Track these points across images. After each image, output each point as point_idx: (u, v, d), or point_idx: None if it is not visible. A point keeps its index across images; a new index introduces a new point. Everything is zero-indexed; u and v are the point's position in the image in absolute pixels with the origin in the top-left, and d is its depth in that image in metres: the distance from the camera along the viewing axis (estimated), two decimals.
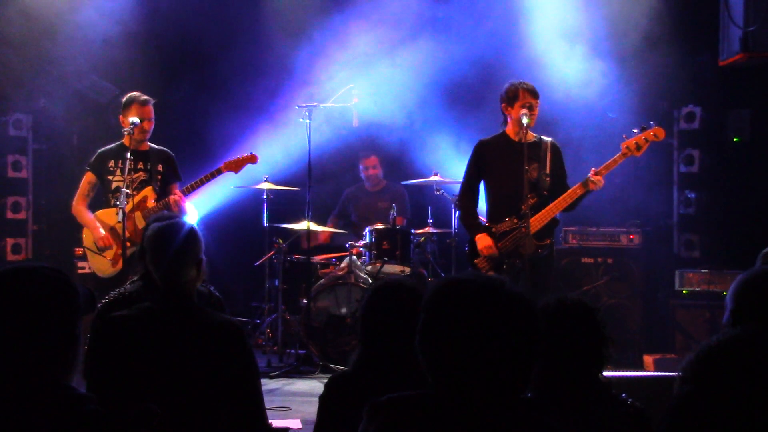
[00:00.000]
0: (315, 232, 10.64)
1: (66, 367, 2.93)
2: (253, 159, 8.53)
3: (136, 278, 4.97)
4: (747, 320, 3.43)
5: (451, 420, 2.56)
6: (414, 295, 3.86)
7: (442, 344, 2.55)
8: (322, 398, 3.89)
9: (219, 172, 8.36)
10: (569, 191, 7.57)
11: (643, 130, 7.55)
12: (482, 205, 8.10)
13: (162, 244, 4.16)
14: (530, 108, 7.66)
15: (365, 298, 3.96)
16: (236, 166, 8.46)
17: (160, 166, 8.30)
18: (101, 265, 8.28)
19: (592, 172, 7.50)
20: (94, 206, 8.41)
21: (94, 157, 8.41)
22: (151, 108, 8.27)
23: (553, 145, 7.87)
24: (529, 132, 7.74)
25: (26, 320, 2.85)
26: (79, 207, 8.41)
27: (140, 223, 7.95)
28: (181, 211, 8.05)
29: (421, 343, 2.61)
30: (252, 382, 4.04)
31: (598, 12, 10.52)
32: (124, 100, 8.35)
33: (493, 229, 7.74)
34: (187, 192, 8.25)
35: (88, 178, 8.41)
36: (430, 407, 2.59)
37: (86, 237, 8.37)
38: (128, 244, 7.75)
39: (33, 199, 11.12)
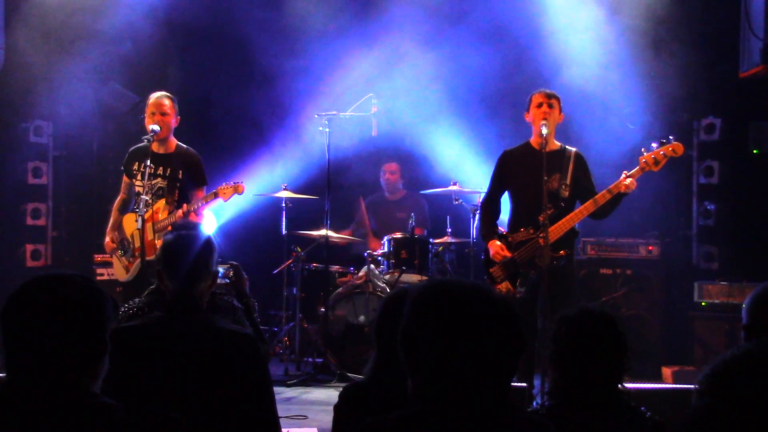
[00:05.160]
0: (333, 240, 10.69)
1: (94, 374, 2.95)
2: (239, 189, 8.34)
3: (149, 290, 5.02)
4: (762, 334, 3.43)
5: None
6: None
7: (425, 344, 2.57)
8: (337, 408, 3.89)
9: (215, 195, 8.24)
10: (592, 199, 7.52)
11: (662, 144, 7.48)
12: (506, 216, 8.09)
13: (177, 255, 4.15)
14: (539, 106, 7.67)
15: (379, 308, 3.96)
16: (225, 194, 8.29)
17: (180, 172, 8.22)
18: (118, 269, 8.37)
19: (624, 175, 7.45)
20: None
21: (126, 156, 8.42)
22: (164, 102, 8.19)
23: (577, 155, 7.84)
24: (554, 141, 7.75)
25: (58, 328, 2.86)
26: (114, 208, 8.49)
27: (150, 235, 7.92)
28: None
29: (404, 342, 2.62)
30: (264, 392, 4.01)
31: (618, 23, 10.50)
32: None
33: (510, 239, 7.73)
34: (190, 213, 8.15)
35: (124, 178, 8.45)
36: (414, 426, 2.59)
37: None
38: (137, 253, 7.84)
39: (53, 205, 11.17)
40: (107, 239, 8.37)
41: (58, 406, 2.81)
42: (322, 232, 9.94)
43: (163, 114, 8.16)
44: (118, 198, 8.50)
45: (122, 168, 8.46)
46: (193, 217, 8.02)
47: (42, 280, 2.97)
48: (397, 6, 11.00)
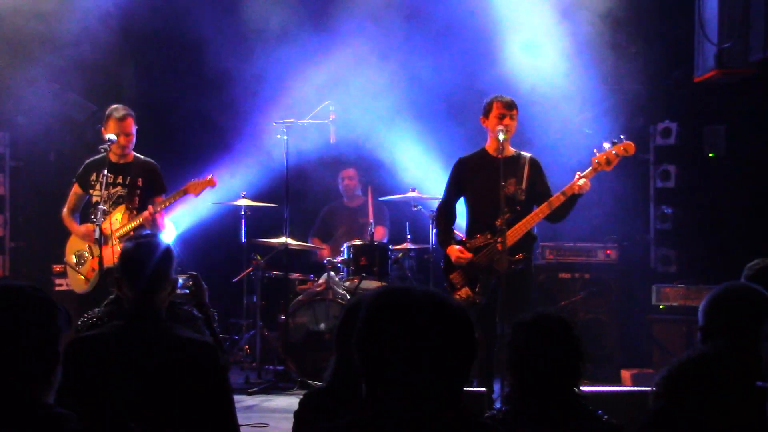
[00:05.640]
0: (319, 252, 10.75)
1: (46, 385, 2.93)
2: (212, 182, 8.42)
3: (109, 300, 4.99)
4: (716, 337, 3.47)
5: None
6: None
7: (377, 349, 2.57)
8: (297, 415, 3.89)
9: (185, 192, 8.29)
10: (546, 202, 7.56)
11: (613, 144, 7.56)
12: (463, 222, 8.11)
13: (136, 262, 4.13)
14: (501, 118, 7.69)
15: (342, 315, 3.96)
16: (195, 189, 8.35)
17: (140, 180, 8.21)
18: (77, 281, 8.28)
19: (577, 176, 7.51)
20: (82, 219, 8.42)
21: (81, 168, 8.39)
22: (129, 122, 8.19)
23: (532, 160, 7.87)
24: (509, 147, 7.79)
25: (7, 339, 2.85)
26: (65, 216, 8.44)
27: (109, 244, 7.90)
28: (158, 227, 8.01)
29: (357, 347, 2.62)
30: (224, 400, 4.01)
31: (574, 28, 10.55)
32: (106, 112, 8.31)
33: (468, 245, 7.75)
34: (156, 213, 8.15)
35: (74, 189, 8.41)
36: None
37: (68, 251, 8.38)
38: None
39: (10, 216, 11.06)
40: (83, 229, 8.27)
41: (9, 417, 2.80)
42: (282, 239, 9.92)
43: (127, 135, 8.20)
44: (65, 208, 8.44)
45: (74, 179, 8.41)
46: (158, 218, 8.03)
47: None
48: (354, 12, 10.97)
